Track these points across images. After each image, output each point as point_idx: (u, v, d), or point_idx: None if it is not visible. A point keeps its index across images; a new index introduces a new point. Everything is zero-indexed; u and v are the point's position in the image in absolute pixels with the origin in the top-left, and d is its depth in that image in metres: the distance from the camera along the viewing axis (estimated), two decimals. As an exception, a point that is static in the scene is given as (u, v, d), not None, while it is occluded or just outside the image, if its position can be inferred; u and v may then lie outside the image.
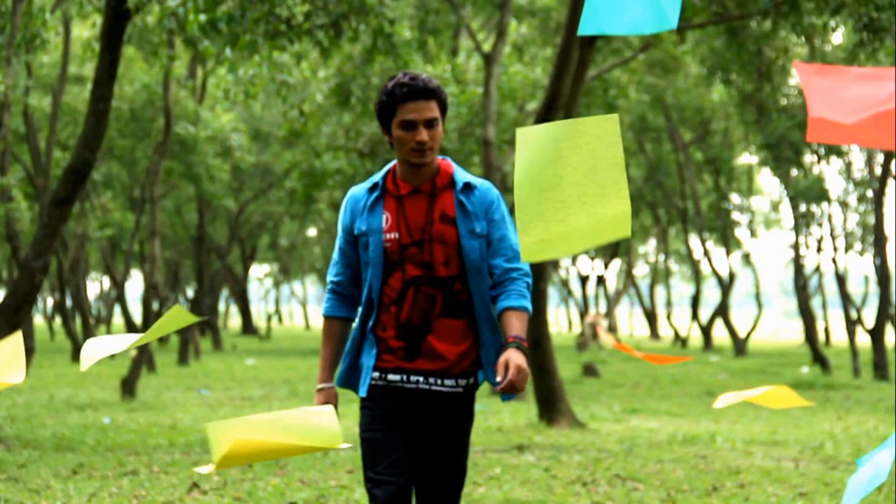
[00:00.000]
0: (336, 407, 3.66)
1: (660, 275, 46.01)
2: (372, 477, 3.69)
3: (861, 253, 31.15)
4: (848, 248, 30.19)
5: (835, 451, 9.58)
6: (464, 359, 3.75)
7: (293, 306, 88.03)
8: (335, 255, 3.88)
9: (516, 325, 3.71)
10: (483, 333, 3.76)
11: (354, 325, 3.83)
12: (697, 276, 36.39)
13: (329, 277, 3.88)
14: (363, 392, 3.73)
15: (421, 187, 3.76)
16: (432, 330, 3.71)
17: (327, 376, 3.78)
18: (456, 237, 3.73)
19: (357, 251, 3.80)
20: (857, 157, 27.49)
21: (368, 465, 3.72)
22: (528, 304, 3.77)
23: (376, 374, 3.73)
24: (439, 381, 3.72)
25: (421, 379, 3.71)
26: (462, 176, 3.79)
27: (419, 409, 3.74)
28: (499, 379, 3.57)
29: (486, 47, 18.61)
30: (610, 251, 41.42)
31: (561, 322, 69.02)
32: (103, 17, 9.64)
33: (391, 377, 3.72)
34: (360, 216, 3.78)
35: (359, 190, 3.83)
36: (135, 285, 72.79)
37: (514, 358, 3.60)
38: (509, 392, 3.61)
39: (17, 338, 3.03)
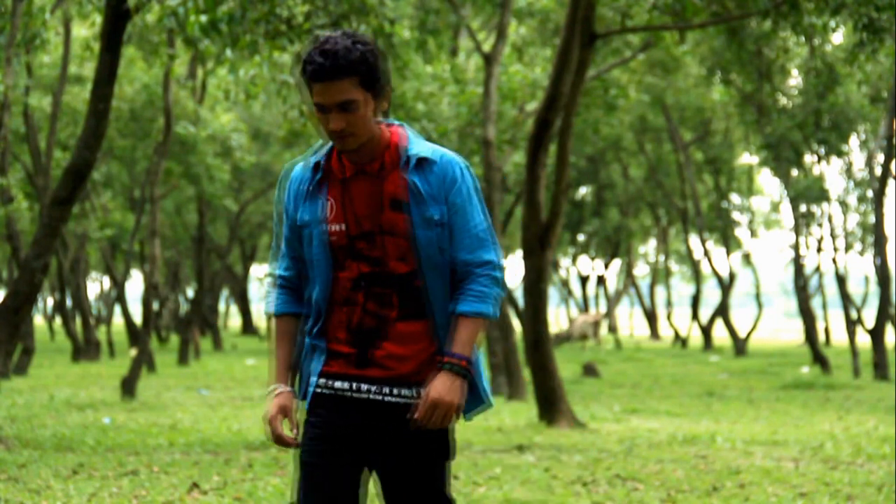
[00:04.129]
0: (292, 414, 3.15)
1: (660, 275, 45.97)
2: None
3: (861, 253, 31.16)
4: (848, 248, 30.17)
5: (835, 451, 9.58)
6: (426, 365, 3.10)
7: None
8: (281, 246, 3.25)
9: (460, 338, 3.06)
10: (443, 345, 3.12)
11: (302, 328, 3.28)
12: (697, 276, 36.38)
13: (276, 271, 3.26)
14: (305, 401, 3.17)
15: (367, 167, 3.10)
16: (388, 336, 3.10)
17: (283, 378, 3.17)
18: (409, 227, 3.07)
19: (301, 243, 3.18)
20: (858, 157, 27.52)
21: (305, 500, 3.13)
22: (485, 308, 3.10)
23: (322, 381, 3.13)
24: (394, 391, 3.09)
25: (373, 388, 3.09)
26: (416, 149, 3.11)
27: (373, 426, 3.11)
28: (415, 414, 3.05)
29: (486, 47, 18.58)
30: (610, 251, 41.41)
31: (561, 322, 68.78)
32: (103, 17, 9.64)
33: (337, 385, 3.12)
34: (303, 203, 3.16)
35: (299, 168, 3.23)
36: (135, 285, 72.52)
37: (434, 389, 3.02)
38: (428, 427, 3.05)
39: None
